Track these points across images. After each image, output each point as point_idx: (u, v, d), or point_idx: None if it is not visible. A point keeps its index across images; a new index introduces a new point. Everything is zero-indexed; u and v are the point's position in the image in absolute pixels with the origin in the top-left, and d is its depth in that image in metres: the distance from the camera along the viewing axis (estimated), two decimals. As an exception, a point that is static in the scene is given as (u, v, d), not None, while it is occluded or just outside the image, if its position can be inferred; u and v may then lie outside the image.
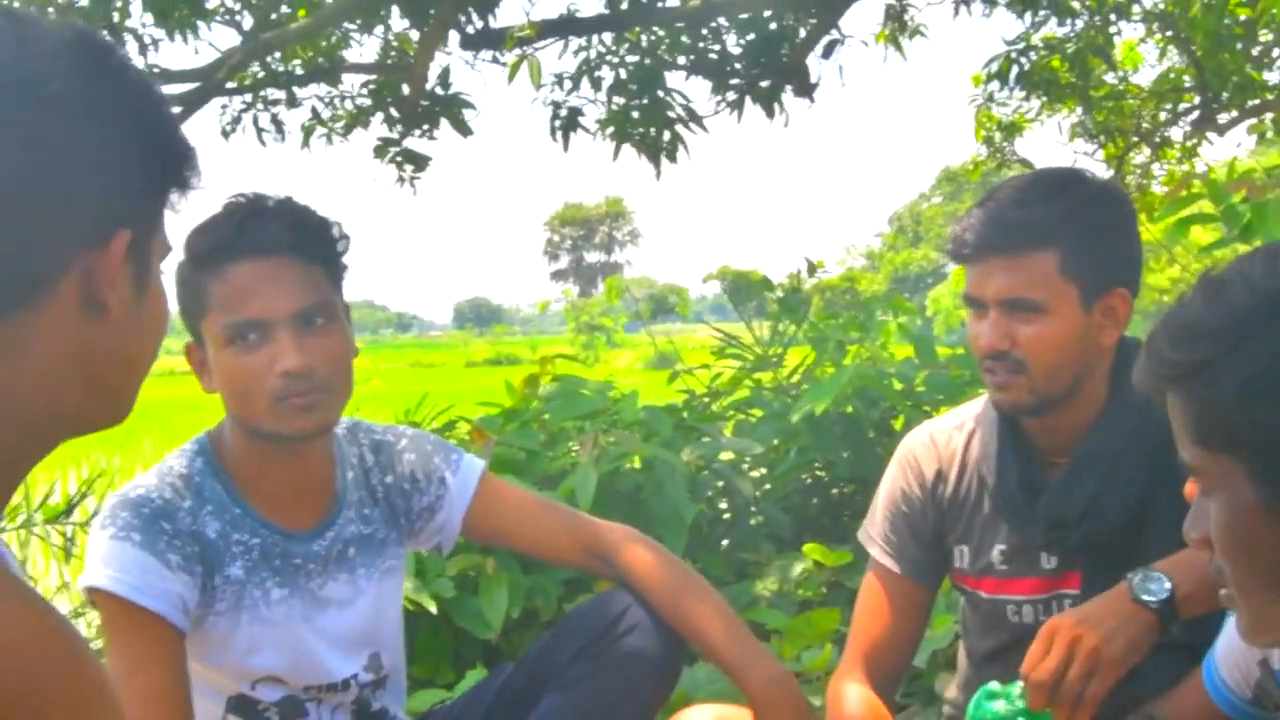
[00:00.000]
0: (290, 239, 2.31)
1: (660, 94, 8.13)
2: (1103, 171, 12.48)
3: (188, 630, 2.30)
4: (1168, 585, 2.18)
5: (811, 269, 6.45)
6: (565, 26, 8.03)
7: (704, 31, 8.38)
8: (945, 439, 2.68)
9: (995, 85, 10.89)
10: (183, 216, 1.40)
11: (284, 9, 8.17)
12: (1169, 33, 11.07)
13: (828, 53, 8.23)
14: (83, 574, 2.30)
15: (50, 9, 7.53)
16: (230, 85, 8.14)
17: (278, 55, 8.43)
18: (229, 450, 2.45)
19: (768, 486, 5.22)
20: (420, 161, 8.61)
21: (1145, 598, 2.18)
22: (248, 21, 8.08)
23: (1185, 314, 1.48)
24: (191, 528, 2.35)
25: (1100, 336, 2.40)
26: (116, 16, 7.78)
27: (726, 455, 5.06)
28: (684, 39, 8.41)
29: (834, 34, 8.20)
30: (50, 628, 1.09)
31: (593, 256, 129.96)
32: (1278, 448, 1.41)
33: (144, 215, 1.32)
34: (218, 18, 8.01)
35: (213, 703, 2.43)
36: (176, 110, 7.84)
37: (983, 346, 2.42)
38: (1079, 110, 12.17)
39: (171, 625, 2.25)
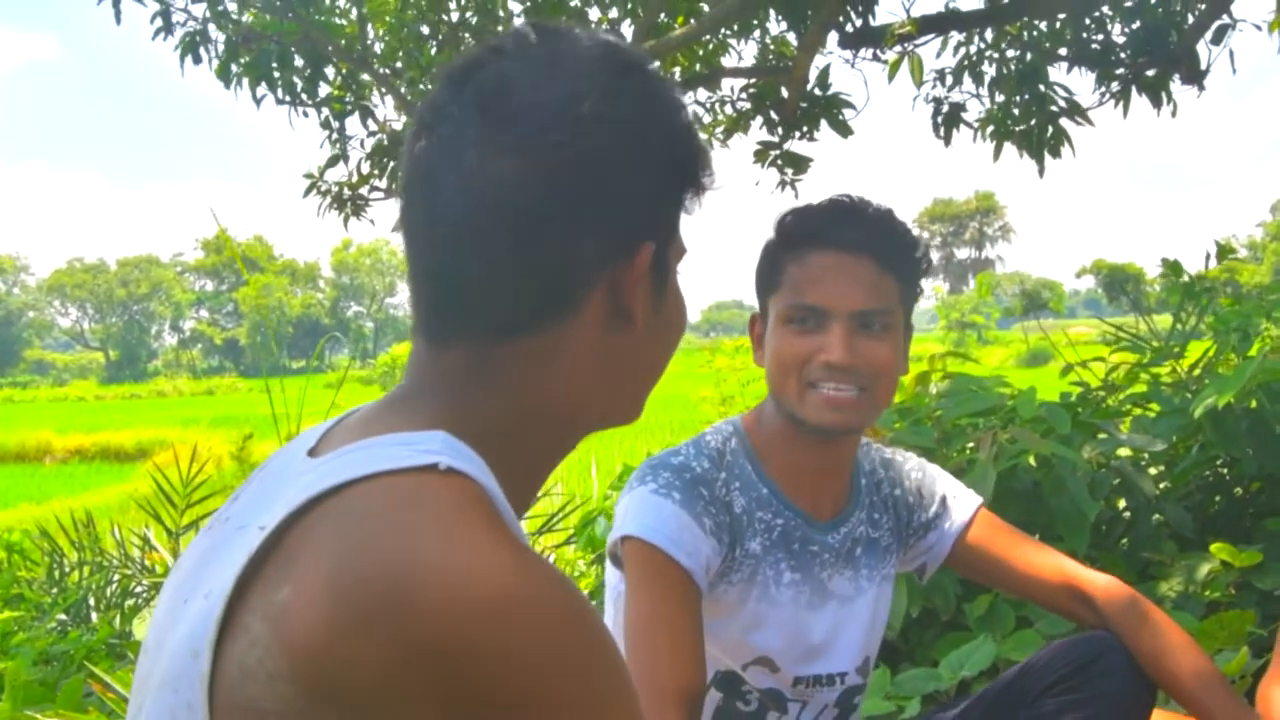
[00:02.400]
0: (874, 242, 2.39)
1: (1042, 88, 8.02)
2: None
3: (704, 594, 2.36)
4: None
5: (1222, 252, 6.21)
6: (945, 22, 8.00)
7: (1087, 21, 8.20)
8: None
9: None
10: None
11: (664, 18, 8.37)
12: None
13: (1218, 38, 7.95)
14: (615, 527, 2.38)
15: (441, 26, 7.91)
16: (614, 94, 8.32)
17: (659, 63, 8.58)
18: (764, 432, 2.52)
19: (1167, 484, 5.10)
20: (801, 164, 8.63)
21: None
22: (629, 31, 8.31)
23: None
24: (724, 498, 2.42)
25: None
26: (502, 30, 8.12)
27: (1124, 452, 4.97)
28: (1066, 30, 8.26)
29: (1224, 19, 7.92)
30: (546, 581, 1.14)
31: (963, 253, 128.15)
32: None
33: (665, 224, 1.37)
34: (599, 29, 8.26)
35: None
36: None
37: None
38: None
39: (696, 584, 2.31)
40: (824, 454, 2.50)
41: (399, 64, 8.19)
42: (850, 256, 2.36)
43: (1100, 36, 8.29)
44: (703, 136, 1.38)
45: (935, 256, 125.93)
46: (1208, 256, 6.18)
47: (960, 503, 2.71)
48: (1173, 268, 6.04)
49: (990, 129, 8.12)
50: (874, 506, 2.64)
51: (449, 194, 1.28)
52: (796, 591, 2.48)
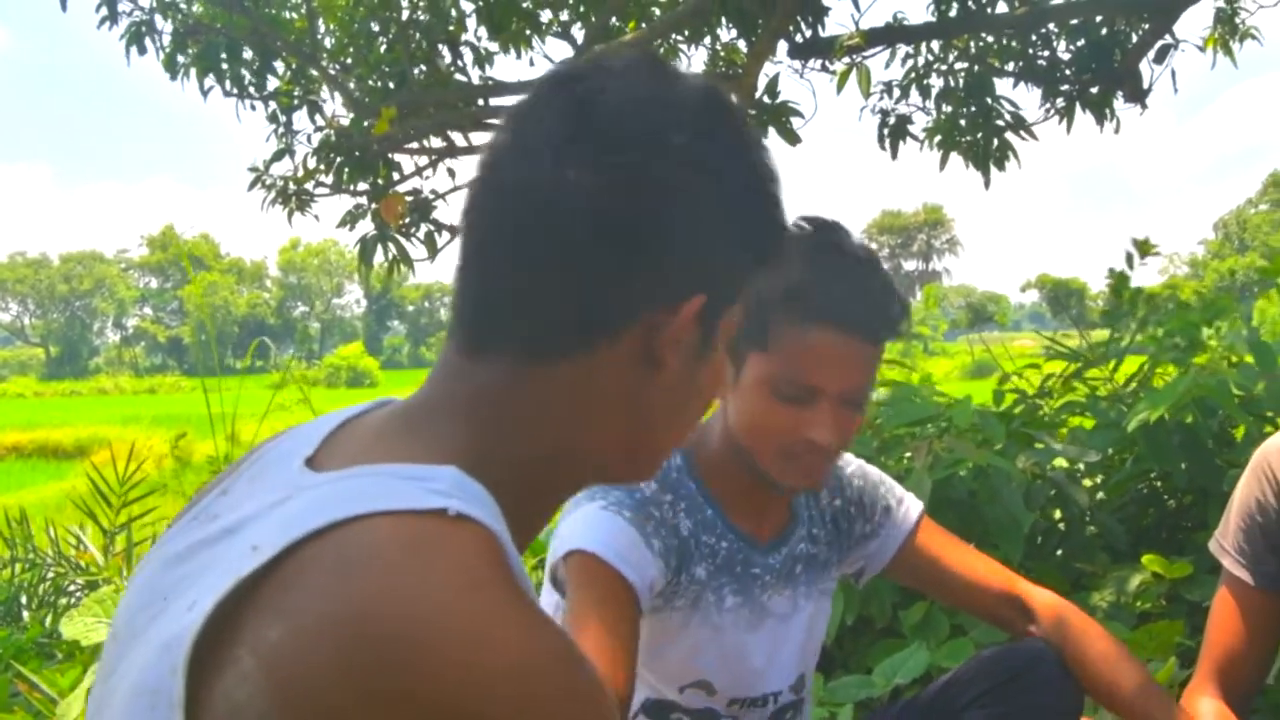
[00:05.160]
0: (877, 324, 2.28)
1: (989, 101, 8.09)
2: None
3: (645, 616, 2.30)
4: None
5: (1143, 249, 6.24)
6: (894, 35, 8.06)
7: (1034, 38, 8.29)
8: None
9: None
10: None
11: (615, 22, 8.38)
12: None
13: (1161, 57, 8.05)
14: (557, 547, 2.30)
15: (391, 24, 7.89)
16: (562, 97, 8.32)
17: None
18: (709, 453, 2.45)
19: (1102, 496, 5.14)
20: (749, 171, 8.56)
21: None
22: (580, 34, 8.32)
23: None
24: (671, 521, 2.36)
25: None
26: (454, 30, 8.11)
27: (1060, 463, 5.00)
28: (1013, 45, 8.34)
29: (1167, 39, 8.02)
30: (559, 652, 1.10)
31: (910, 265, 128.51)
32: None
33: (724, 284, 1.32)
34: (550, 31, 8.28)
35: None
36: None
37: None
38: None
39: (638, 600, 2.24)
40: (764, 480, 2.42)
41: (348, 60, 8.18)
42: (855, 340, 2.25)
43: (1046, 53, 8.40)
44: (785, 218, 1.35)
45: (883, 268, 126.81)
46: (1128, 256, 6.23)
47: (904, 509, 2.69)
48: (1119, 278, 6.10)
49: (937, 140, 8.18)
50: (813, 521, 2.59)
51: (515, 191, 1.25)
52: (737, 615, 2.44)
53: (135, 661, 1.19)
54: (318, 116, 8.42)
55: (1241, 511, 2.66)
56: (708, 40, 8.70)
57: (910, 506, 2.71)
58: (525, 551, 1.37)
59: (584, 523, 2.28)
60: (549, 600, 2.36)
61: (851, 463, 2.72)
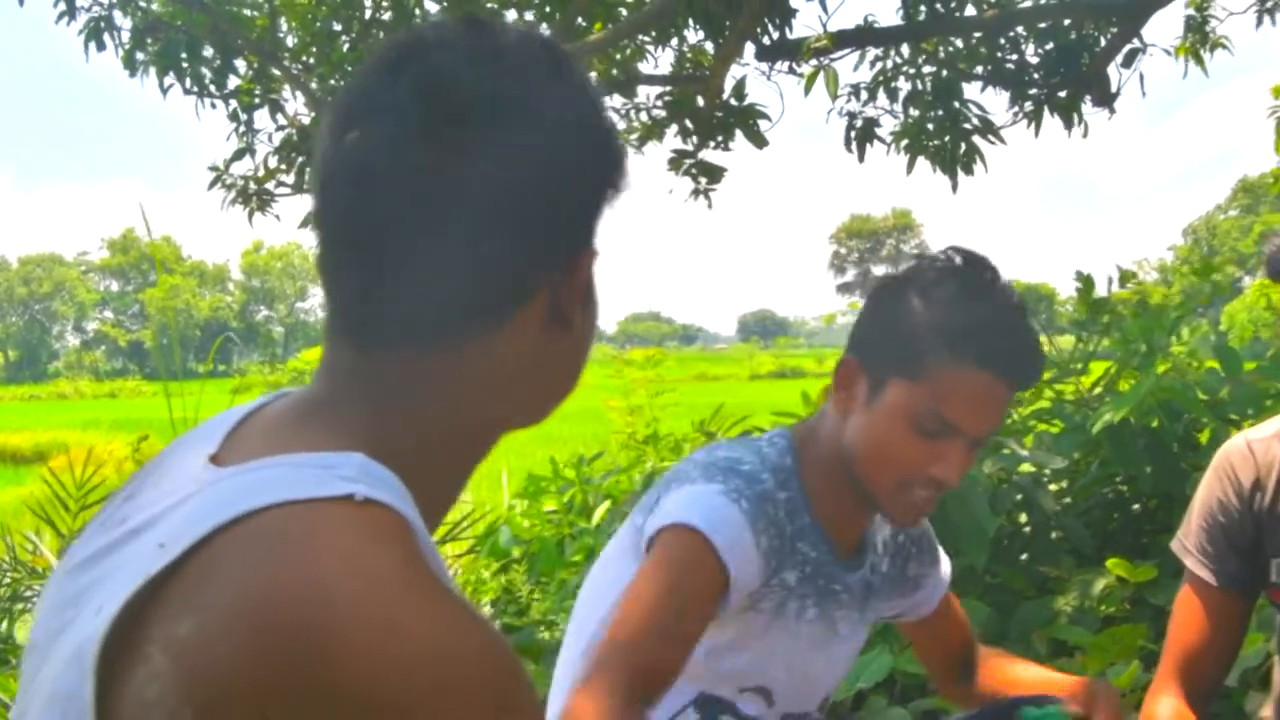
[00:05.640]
0: (1031, 378, 2.27)
1: (956, 105, 8.08)
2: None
3: (729, 614, 2.25)
4: None
5: (1125, 278, 6.28)
6: (862, 37, 8.02)
7: (1002, 41, 8.29)
8: (1263, 447, 2.60)
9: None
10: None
11: (581, 22, 8.34)
12: None
13: (1129, 62, 8.06)
14: (661, 516, 2.22)
15: (354, 23, 7.85)
16: (526, 96, 8.26)
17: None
18: (815, 459, 2.37)
19: (1068, 500, 5.14)
20: (715, 173, 8.58)
21: None
22: (544, 33, 8.25)
23: None
24: (781, 521, 2.29)
25: None
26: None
27: (1026, 468, 4.99)
28: (981, 49, 8.34)
29: (1135, 43, 8.03)
30: (472, 635, 1.09)
31: (880, 269, 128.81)
32: None
33: (591, 226, 1.31)
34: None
35: (678, 694, 2.30)
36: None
37: None
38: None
39: (728, 596, 2.18)
40: (865, 502, 2.36)
41: (310, 59, 8.12)
42: (1004, 385, 2.20)
43: (1015, 57, 8.39)
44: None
45: (851, 273, 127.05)
46: (1110, 281, 6.26)
47: (945, 568, 2.66)
48: (1086, 282, 6.10)
49: (904, 143, 8.16)
50: (880, 551, 2.54)
51: (389, 188, 1.21)
52: (812, 629, 2.39)
53: (49, 671, 1.17)
54: (279, 116, 8.36)
55: (1203, 511, 2.66)
56: (674, 42, 8.67)
57: (948, 566, 2.67)
58: (438, 526, 1.36)
59: (699, 503, 2.20)
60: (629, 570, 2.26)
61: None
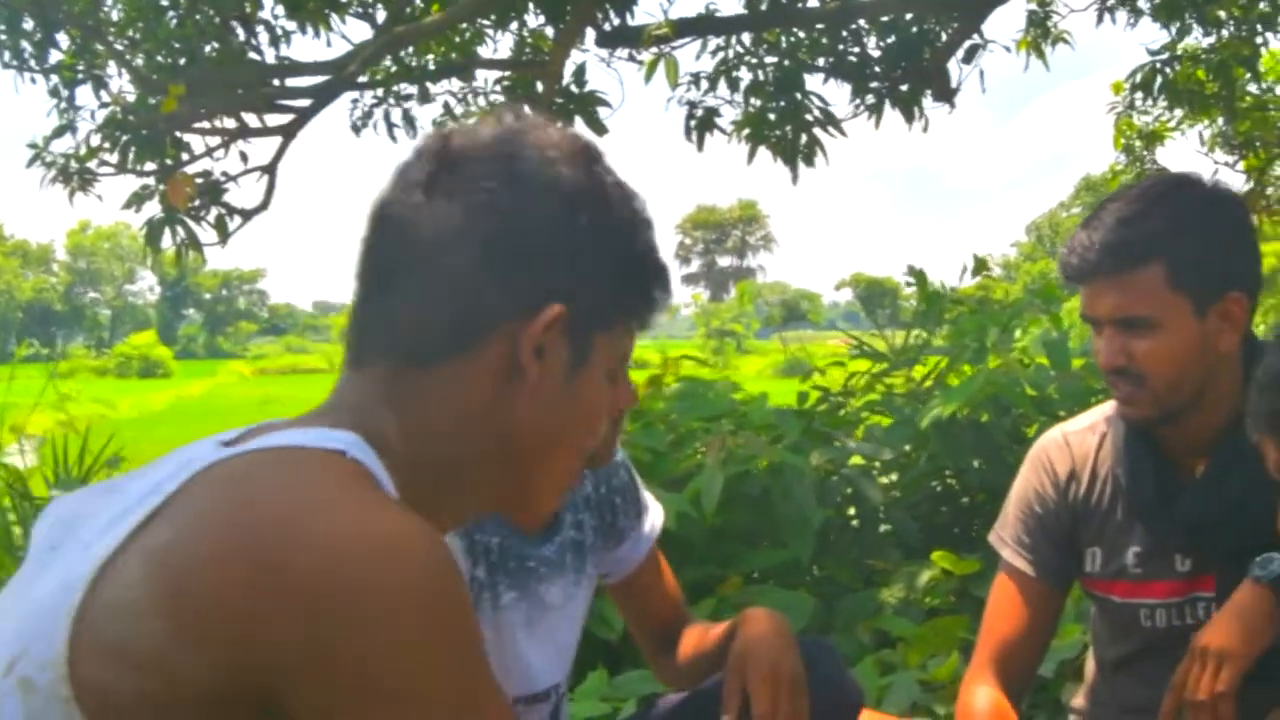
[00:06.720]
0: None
1: (798, 96, 8.07)
2: (1241, 183, 12.36)
3: None
4: (1279, 560, 2.23)
5: (979, 267, 6.31)
6: (703, 25, 8.00)
7: (844, 34, 8.32)
8: (1078, 440, 2.66)
9: (1137, 94, 10.71)
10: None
11: (418, 3, 8.23)
12: (1315, 44, 10.86)
13: (969, 57, 8.14)
14: None
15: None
16: (362, 79, 8.17)
17: (411, 50, 8.47)
18: None
19: (897, 494, 5.16)
20: (554, 159, 8.45)
21: (1258, 573, 2.25)
22: (381, 15, 8.15)
23: (1271, 363, 1.54)
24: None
25: (1218, 342, 2.38)
26: (248, 8, 7.88)
27: (856, 460, 5.00)
28: (823, 41, 8.36)
29: (976, 38, 8.10)
30: (426, 532, 1.19)
31: (725, 261, 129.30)
32: None
33: (592, 304, 1.41)
34: (350, 11, 8.08)
35: None
36: (307, 103, 7.92)
37: (1102, 364, 2.43)
38: (1220, 120, 12.00)
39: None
40: None
41: (136, 35, 7.88)
42: None
43: (856, 49, 8.42)
44: (664, 259, 1.53)
45: (697, 264, 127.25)
46: (964, 270, 6.29)
47: (652, 520, 2.62)
48: (919, 276, 6.13)
49: (745, 133, 8.14)
50: (576, 507, 2.51)
51: (387, 222, 1.41)
52: (515, 611, 2.37)
53: (41, 588, 1.25)
54: (103, 93, 8.09)
55: (1020, 503, 2.70)
56: (514, 26, 8.56)
57: (657, 517, 2.65)
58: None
59: None
60: None
61: (620, 454, 2.64)
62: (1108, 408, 2.64)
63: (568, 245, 1.39)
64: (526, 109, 1.48)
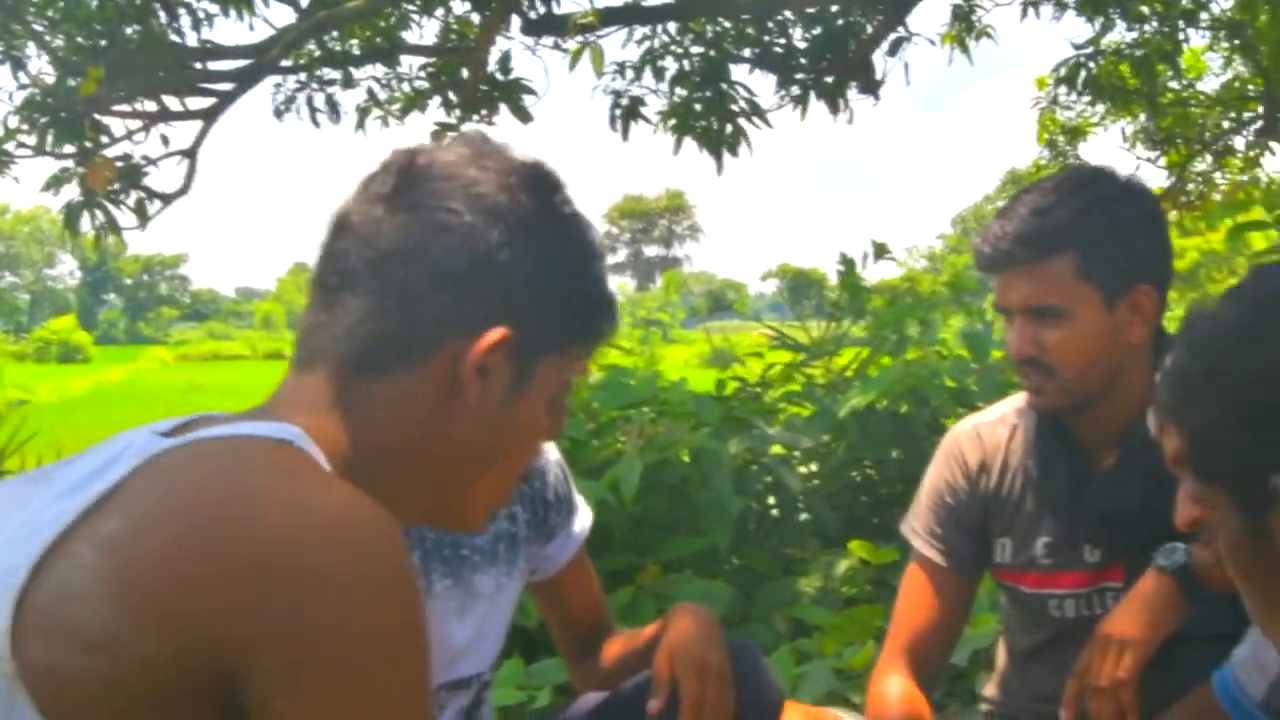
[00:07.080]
0: None
1: (723, 87, 8.07)
2: (1163, 179, 12.51)
3: None
4: (1183, 550, 2.27)
5: (879, 252, 6.34)
6: (629, 15, 7.98)
7: (769, 24, 8.32)
8: (989, 431, 2.69)
9: (1060, 89, 10.80)
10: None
11: (345, -15, 8.14)
12: (1236, 41, 11.00)
13: (894, 50, 8.17)
14: None
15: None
16: (285, 64, 8.10)
17: (335, 34, 8.37)
18: None
19: (816, 483, 5.18)
20: (480, 148, 8.41)
21: (1161, 562, 2.28)
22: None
23: (1174, 355, 1.64)
24: None
25: (1128, 334, 2.42)
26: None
27: (775, 449, 5.02)
28: (749, 31, 8.36)
29: (900, 31, 8.14)
30: (376, 513, 1.22)
31: (651, 250, 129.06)
32: (1249, 479, 1.56)
33: (538, 330, 1.44)
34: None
35: None
36: (229, 87, 7.84)
37: (1013, 354, 2.47)
38: (1143, 116, 12.13)
39: None
40: None
41: (56, 16, 7.78)
42: None
43: (782, 40, 8.42)
44: (612, 292, 1.57)
45: (623, 253, 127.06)
46: (865, 256, 6.30)
47: (580, 522, 2.64)
48: (848, 264, 6.15)
49: (671, 123, 8.13)
50: (511, 501, 2.51)
51: (351, 236, 1.43)
52: (448, 598, 2.39)
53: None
54: (21, 74, 7.97)
55: (932, 493, 2.73)
56: (440, 11, 8.49)
57: (585, 520, 2.66)
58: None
59: None
60: None
61: (554, 453, 2.65)
62: (1019, 399, 2.68)
63: (518, 270, 1.42)
64: (489, 134, 1.51)
